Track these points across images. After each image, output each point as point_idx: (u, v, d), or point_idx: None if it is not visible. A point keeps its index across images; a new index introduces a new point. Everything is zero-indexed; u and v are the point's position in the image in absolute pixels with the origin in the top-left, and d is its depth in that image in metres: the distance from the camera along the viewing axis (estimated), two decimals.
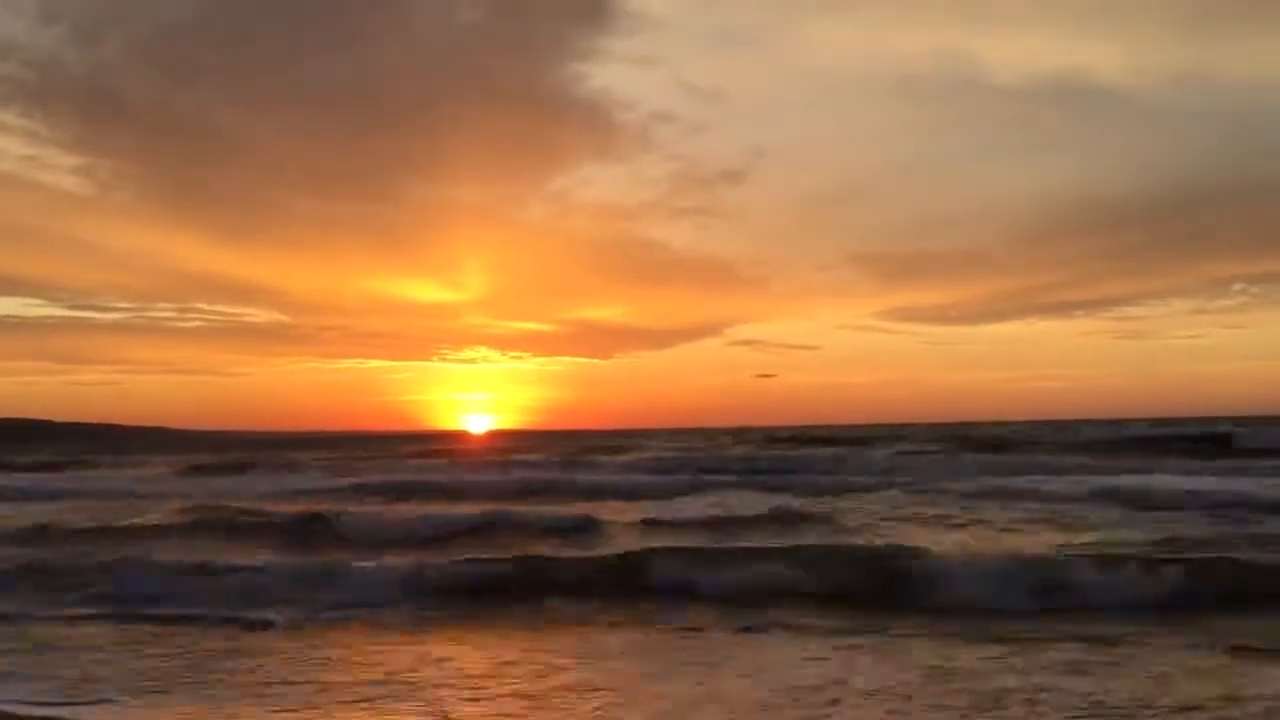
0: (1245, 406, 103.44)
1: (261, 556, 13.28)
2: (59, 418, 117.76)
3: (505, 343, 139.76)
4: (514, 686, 7.07)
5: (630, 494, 22.64)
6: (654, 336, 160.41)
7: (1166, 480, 20.38)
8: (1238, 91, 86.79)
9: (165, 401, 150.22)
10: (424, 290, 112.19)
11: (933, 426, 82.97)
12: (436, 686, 7.11)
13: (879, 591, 10.31)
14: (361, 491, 25.14)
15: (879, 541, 13.48)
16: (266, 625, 9.53)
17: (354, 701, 6.75)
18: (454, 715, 6.44)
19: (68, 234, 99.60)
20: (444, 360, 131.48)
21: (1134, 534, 13.63)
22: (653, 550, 12.03)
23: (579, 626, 9.39)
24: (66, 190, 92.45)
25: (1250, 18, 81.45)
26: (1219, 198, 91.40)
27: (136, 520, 17.87)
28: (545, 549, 13.33)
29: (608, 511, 17.92)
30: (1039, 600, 9.71)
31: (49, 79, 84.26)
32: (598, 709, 6.47)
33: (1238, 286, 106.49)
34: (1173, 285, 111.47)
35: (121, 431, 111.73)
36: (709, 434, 78.54)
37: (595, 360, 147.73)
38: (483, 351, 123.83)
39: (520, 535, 15.26)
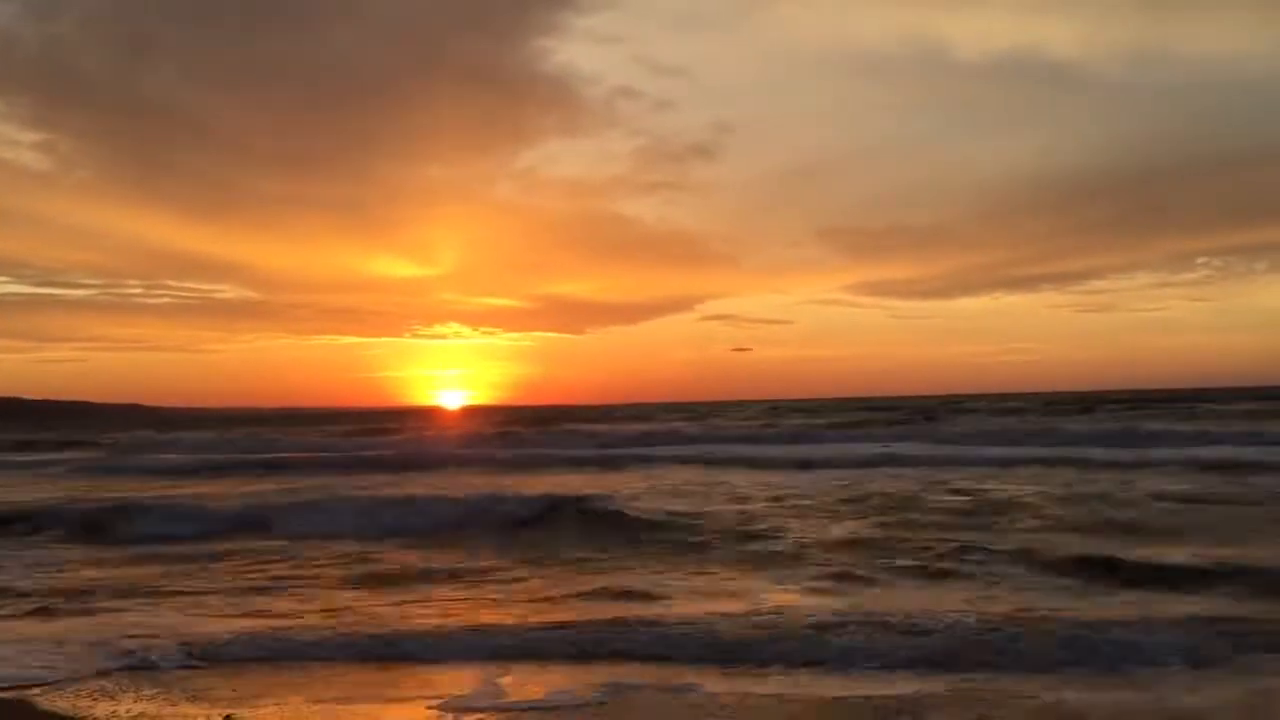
0: (1209, 378, 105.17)
1: None
2: (29, 395, 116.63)
3: (477, 318, 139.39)
4: None
5: None
6: (626, 311, 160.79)
7: None
8: (1193, 68, 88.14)
9: (137, 378, 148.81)
10: (394, 267, 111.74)
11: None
12: None
13: None
14: None
15: None
16: None
17: None
18: None
19: (30, 210, 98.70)
20: (416, 336, 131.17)
21: None
22: None
23: None
24: (26, 166, 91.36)
25: None
26: (1178, 173, 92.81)
27: None
28: None
29: None
30: None
31: (6, 55, 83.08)
32: None
33: (1200, 260, 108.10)
34: (1136, 259, 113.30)
35: (94, 409, 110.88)
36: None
37: (567, 335, 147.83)
38: (454, 327, 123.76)
39: None
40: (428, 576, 10.36)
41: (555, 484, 18.92)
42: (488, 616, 8.28)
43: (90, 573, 11.15)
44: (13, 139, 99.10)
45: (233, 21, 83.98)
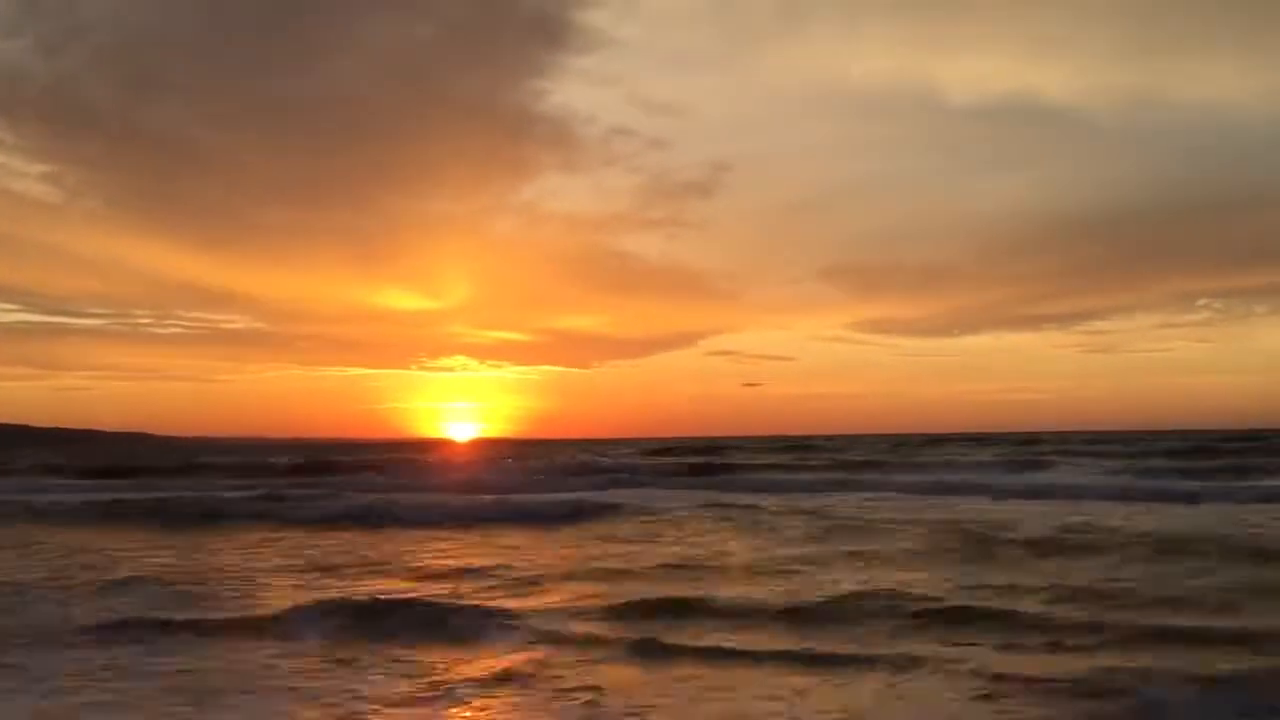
0: (1213, 420, 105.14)
1: None
2: (38, 422, 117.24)
3: (483, 351, 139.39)
4: None
5: None
6: (630, 346, 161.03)
7: None
8: (1187, 113, 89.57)
9: (145, 407, 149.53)
10: (400, 299, 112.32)
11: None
12: None
13: None
14: None
15: None
16: None
17: None
18: None
19: (40, 240, 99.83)
20: (423, 368, 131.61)
21: None
22: None
23: None
24: (35, 197, 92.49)
25: (1194, 44, 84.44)
26: (1174, 216, 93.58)
27: None
28: None
29: None
30: None
31: (15, 89, 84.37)
32: None
33: (1202, 302, 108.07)
34: (1138, 300, 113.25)
35: (102, 436, 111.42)
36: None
37: (573, 369, 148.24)
38: (461, 360, 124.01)
39: None
40: None
41: None
42: None
43: None
44: (21, 170, 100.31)
45: (236, 59, 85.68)
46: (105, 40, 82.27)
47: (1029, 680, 6.97)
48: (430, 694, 7.03)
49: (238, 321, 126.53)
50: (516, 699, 6.93)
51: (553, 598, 10.77)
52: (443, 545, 15.97)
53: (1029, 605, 9.78)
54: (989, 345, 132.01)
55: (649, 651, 8.07)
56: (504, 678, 7.38)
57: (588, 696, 6.83)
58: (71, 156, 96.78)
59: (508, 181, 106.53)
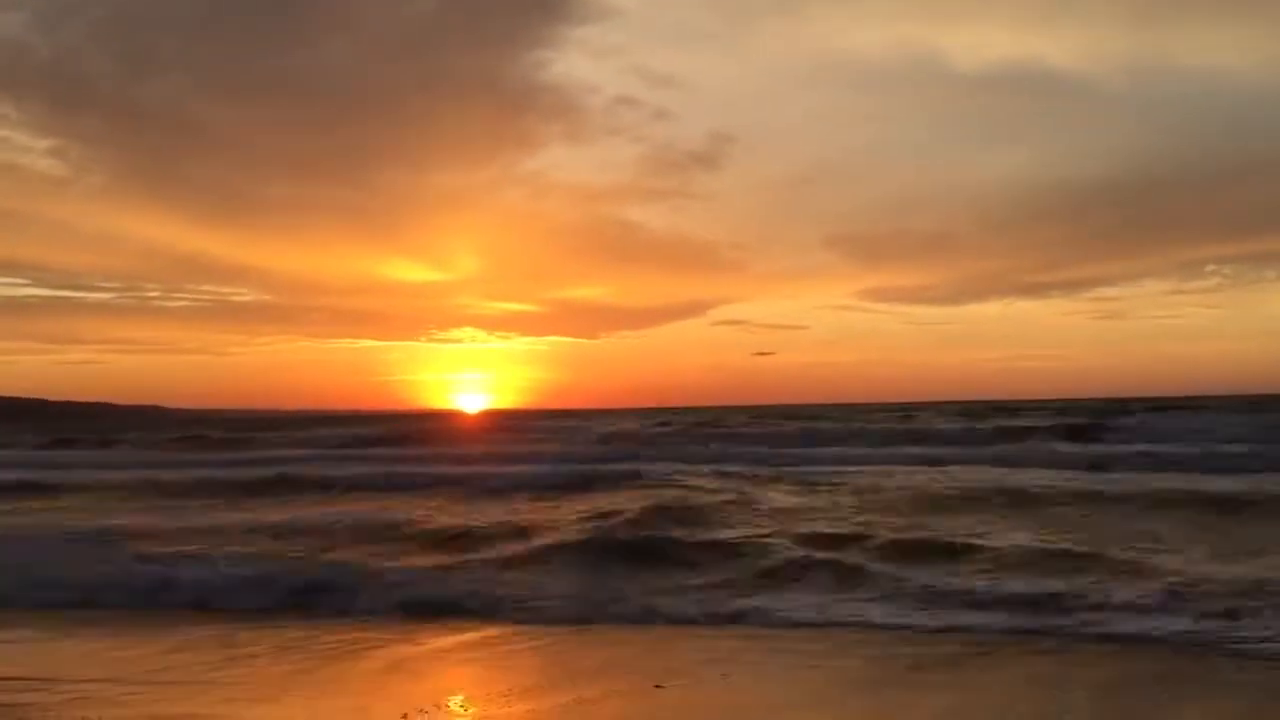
0: (1225, 385, 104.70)
1: None
2: (50, 396, 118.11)
3: (492, 323, 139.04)
4: None
5: None
6: (638, 316, 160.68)
7: None
8: (1191, 80, 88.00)
9: (157, 380, 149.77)
10: (408, 271, 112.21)
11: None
12: None
13: None
14: None
15: None
16: None
17: None
18: None
19: (47, 215, 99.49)
20: (432, 340, 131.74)
21: None
22: None
23: None
24: (41, 171, 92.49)
25: (1201, 10, 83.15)
26: (1180, 183, 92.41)
27: None
28: None
29: None
30: None
31: (16, 64, 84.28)
32: None
33: (1210, 268, 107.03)
34: (1146, 267, 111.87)
35: (116, 410, 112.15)
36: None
37: (582, 340, 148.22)
38: (470, 331, 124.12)
39: None
40: None
41: None
42: None
43: None
44: (26, 145, 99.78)
45: (236, 35, 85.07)
46: (102, 15, 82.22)
47: None
48: None
49: (247, 294, 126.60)
50: None
51: None
52: None
53: None
54: (998, 313, 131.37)
55: None
56: None
57: None
58: (75, 132, 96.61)
59: (513, 153, 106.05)
